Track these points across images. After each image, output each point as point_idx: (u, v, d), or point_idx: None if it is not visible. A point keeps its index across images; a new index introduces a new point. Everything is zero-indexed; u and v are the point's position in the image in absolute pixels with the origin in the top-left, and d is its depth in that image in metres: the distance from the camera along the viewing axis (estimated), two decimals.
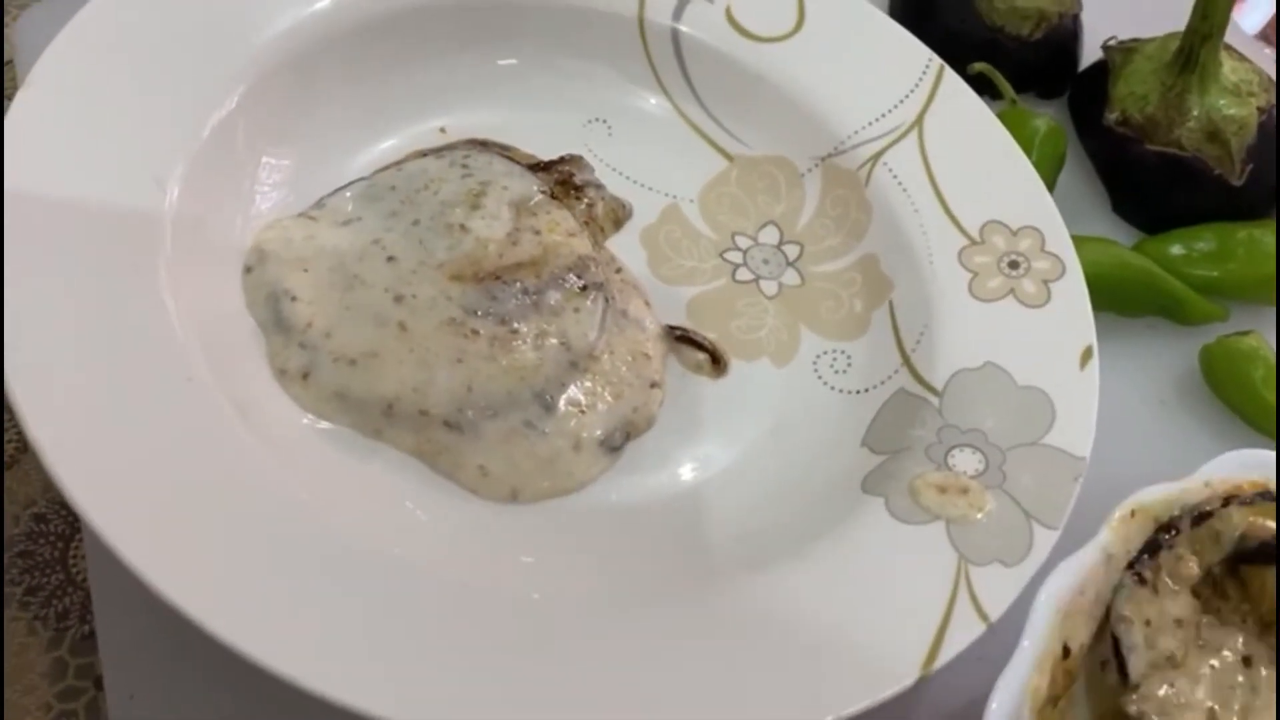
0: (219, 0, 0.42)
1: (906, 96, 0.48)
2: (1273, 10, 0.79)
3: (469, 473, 0.38)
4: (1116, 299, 0.50)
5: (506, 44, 0.47)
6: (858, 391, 0.43)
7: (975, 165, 0.46)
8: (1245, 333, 0.49)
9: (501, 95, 0.47)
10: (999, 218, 0.45)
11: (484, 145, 0.46)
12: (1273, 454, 0.38)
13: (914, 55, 0.49)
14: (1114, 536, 0.35)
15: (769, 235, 0.48)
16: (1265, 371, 0.48)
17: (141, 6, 0.40)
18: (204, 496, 0.33)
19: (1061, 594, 0.33)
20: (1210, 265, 0.51)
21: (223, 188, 0.40)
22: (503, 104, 0.47)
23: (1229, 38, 0.55)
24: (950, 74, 0.49)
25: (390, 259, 0.40)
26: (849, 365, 0.44)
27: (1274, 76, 0.55)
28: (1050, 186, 0.52)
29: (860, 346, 0.45)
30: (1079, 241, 0.49)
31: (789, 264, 0.47)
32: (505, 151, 0.46)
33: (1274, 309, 0.52)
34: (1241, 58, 0.54)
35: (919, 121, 0.47)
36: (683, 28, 0.49)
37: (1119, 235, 0.53)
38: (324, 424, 0.38)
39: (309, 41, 0.43)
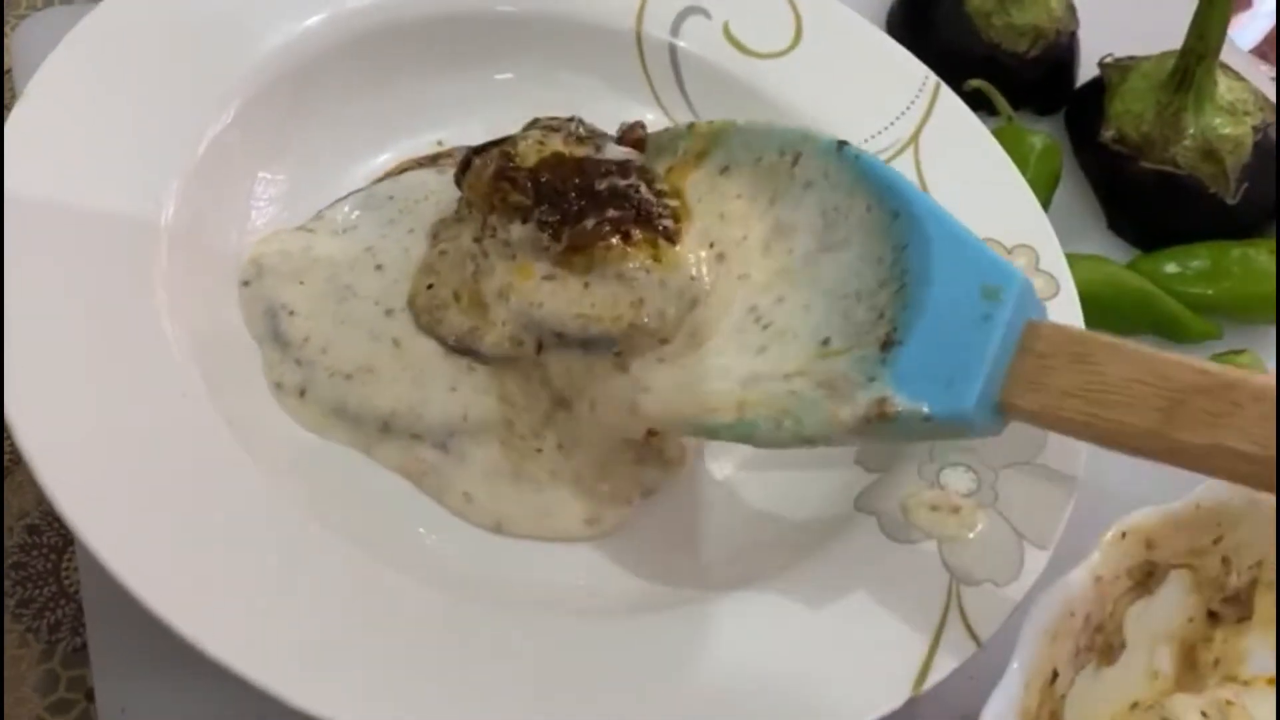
0: (216, 15, 0.42)
1: (903, 113, 0.48)
2: (1269, 25, 0.79)
3: (454, 497, 0.38)
4: (1111, 316, 0.50)
5: (503, 59, 0.47)
6: None
7: (971, 183, 0.46)
8: (1239, 352, 0.49)
9: (499, 109, 0.47)
10: (994, 235, 0.45)
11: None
12: None
13: (910, 72, 0.49)
14: (1105, 558, 0.35)
15: None
16: None
17: (138, 21, 0.40)
18: (196, 511, 0.33)
19: (1051, 616, 0.33)
20: (1204, 283, 0.51)
21: (219, 202, 0.40)
22: (500, 118, 0.46)
23: (1225, 56, 0.55)
24: (946, 91, 0.49)
25: (378, 267, 0.41)
26: None
27: (1269, 94, 0.55)
28: (1046, 203, 0.53)
29: None
30: (1073, 259, 0.49)
31: None
32: None
33: (1267, 327, 0.52)
34: (1237, 77, 0.55)
35: (915, 139, 0.47)
36: (680, 43, 0.49)
37: (1114, 252, 0.54)
38: (319, 439, 0.38)
39: (304, 57, 0.43)
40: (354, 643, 0.32)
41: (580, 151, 0.39)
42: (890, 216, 0.35)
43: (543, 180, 0.38)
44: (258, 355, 0.39)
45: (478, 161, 0.40)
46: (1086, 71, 0.59)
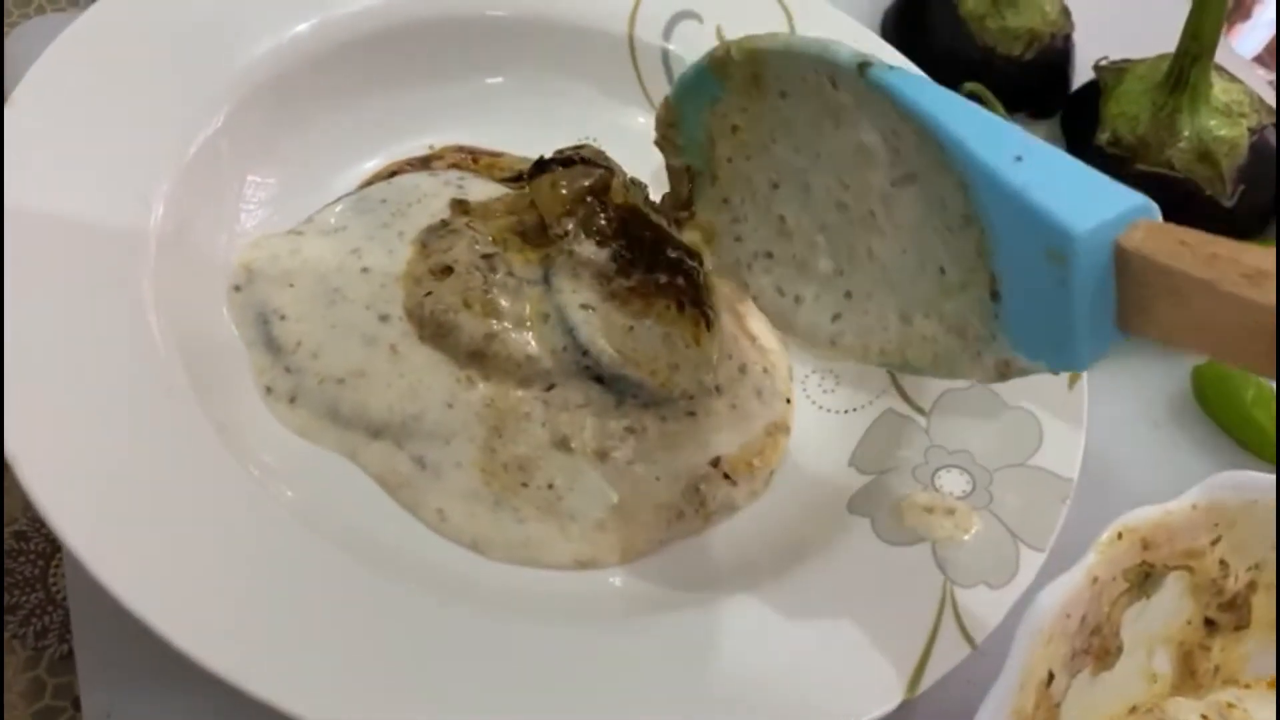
0: (206, 19, 0.41)
1: None
2: (1268, 35, 0.79)
3: (428, 512, 0.37)
4: None
5: (494, 63, 0.47)
6: (846, 411, 0.43)
7: None
8: None
9: (490, 114, 0.47)
10: None
11: (471, 153, 0.46)
12: (1260, 475, 0.38)
13: None
14: (1101, 559, 0.35)
15: None
16: (1256, 392, 0.48)
17: (127, 25, 0.40)
18: (183, 516, 0.33)
19: (1046, 617, 0.33)
20: None
21: (207, 205, 0.40)
22: (491, 122, 0.47)
23: (1221, 59, 0.55)
24: None
25: (364, 270, 0.40)
26: (837, 385, 0.44)
27: (1265, 98, 0.55)
28: None
29: (849, 366, 0.44)
30: None
31: None
32: (494, 158, 0.46)
33: None
34: (1232, 78, 0.54)
35: None
36: (672, 47, 0.49)
37: None
38: (308, 443, 0.38)
39: (294, 61, 0.42)
40: (344, 649, 0.32)
41: (657, 219, 0.42)
42: (939, 149, 0.30)
43: (627, 220, 0.41)
44: (247, 358, 0.39)
45: (580, 168, 0.42)
46: (1083, 74, 0.59)
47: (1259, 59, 0.76)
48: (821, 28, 0.50)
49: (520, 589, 0.36)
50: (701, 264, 0.42)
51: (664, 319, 0.40)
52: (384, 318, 0.40)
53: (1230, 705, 0.39)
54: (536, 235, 0.42)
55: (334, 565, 0.33)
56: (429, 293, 0.40)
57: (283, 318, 0.39)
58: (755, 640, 0.34)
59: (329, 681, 0.31)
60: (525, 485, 0.38)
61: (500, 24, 0.46)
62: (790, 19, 0.50)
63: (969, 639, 0.34)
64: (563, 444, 0.39)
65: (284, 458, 0.37)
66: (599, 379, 0.40)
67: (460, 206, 0.42)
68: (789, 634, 0.34)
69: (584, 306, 0.40)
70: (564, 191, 0.42)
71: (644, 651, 0.33)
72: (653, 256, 0.41)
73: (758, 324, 0.45)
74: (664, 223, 0.42)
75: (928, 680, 0.33)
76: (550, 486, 0.38)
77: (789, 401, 0.43)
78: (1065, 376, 0.41)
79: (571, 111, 0.48)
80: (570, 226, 0.41)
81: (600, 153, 0.44)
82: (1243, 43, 0.79)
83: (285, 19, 0.43)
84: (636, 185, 0.44)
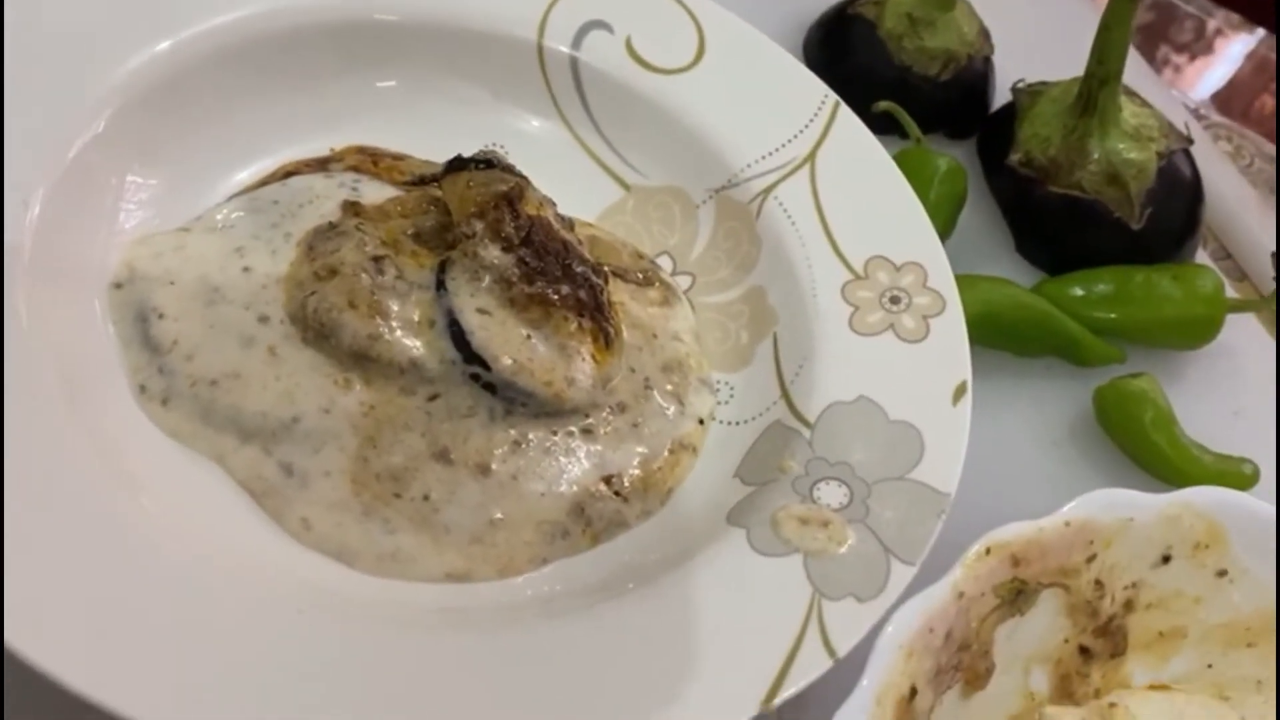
0: (91, 21, 0.41)
1: (801, 132, 0.48)
2: (1229, 72, 0.78)
3: (292, 521, 0.37)
4: (1012, 338, 0.50)
5: (386, 66, 0.46)
6: (737, 423, 0.43)
7: (864, 201, 0.46)
8: (1137, 375, 0.49)
9: (391, 118, 0.46)
10: (883, 253, 0.45)
11: (372, 155, 0.45)
12: (1137, 494, 0.38)
13: (810, 91, 0.49)
14: (967, 574, 0.35)
15: (663, 265, 0.48)
16: (1154, 414, 0.48)
17: (9, 24, 0.39)
18: (33, 518, 0.32)
19: (906, 631, 0.33)
20: (1108, 307, 0.51)
21: (85, 206, 0.39)
22: (393, 127, 0.46)
23: (1138, 84, 0.56)
24: (845, 110, 0.49)
25: (246, 269, 0.40)
26: (731, 396, 0.44)
27: (1177, 121, 0.55)
28: (950, 225, 0.52)
29: (743, 378, 0.44)
30: (976, 281, 0.49)
31: (681, 294, 0.47)
32: (396, 161, 0.46)
33: (1167, 352, 0.52)
34: (1143, 103, 0.55)
35: (811, 157, 0.47)
36: (582, 56, 0.49)
37: (1022, 276, 0.53)
38: (177, 445, 0.37)
39: (180, 64, 0.42)
40: (187, 655, 0.31)
41: (565, 235, 0.42)
42: None
43: (534, 231, 0.40)
44: (123, 357, 0.38)
45: (497, 172, 0.42)
46: (1004, 96, 0.59)
47: (1219, 96, 0.76)
48: (733, 42, 0.50)
49: (386, 600, 0.36)
50: (607, 280, 0.42)
51: (563, 331, 0.40)
52: (263, 319, 0.39)
53: (1112, 705, 0.38)
54: (432, 239, 0.42)
55: (188, 573, 0.33)
56: (312, 293, 0.39)
57: (161, 316, 0.39)
58: (613, 647, 0.33)
59: (177, 691, 0.30)
60: (398, 496, 0.37)
61: (394, 28, 0.46)
62: (702, 33, 0.50)
63: (831, 651, 0.34)
64: (442, 455, 0.38)
65: (152, 461, 0.36)
66: (489, 387, 0.39)
67: (352, 208, 0.42)
68: (648, 642, 0.34)
69: (481, 311, 0.39)
70: (478, 193, 0.41)
71: (500, 658, 0.33)
72: (558, 268, 0.41)
73: (675, 339, 0.45)
74: (574, 240, 0.42)
75: (786, 692, 0.33)
76: (426, 498, 0.38)
77: (702, 423, 0.43)
78: (950, 391, 0.41)
79: (479, 117, 0.48)
80: (478, 228, 0.40)
81: (511, 165, 0.44)
82: (1205, 80, 0.79)
83: (171, 23, 0.42)
84: (549, 201, 0.44)
